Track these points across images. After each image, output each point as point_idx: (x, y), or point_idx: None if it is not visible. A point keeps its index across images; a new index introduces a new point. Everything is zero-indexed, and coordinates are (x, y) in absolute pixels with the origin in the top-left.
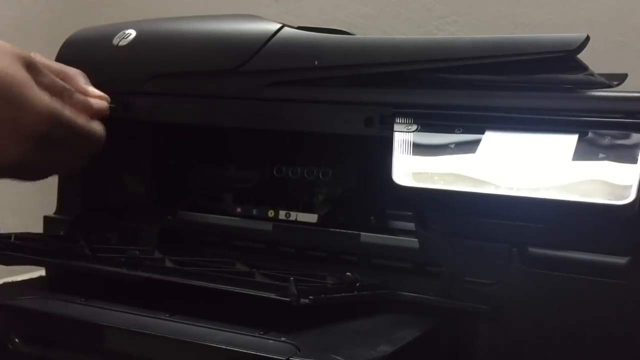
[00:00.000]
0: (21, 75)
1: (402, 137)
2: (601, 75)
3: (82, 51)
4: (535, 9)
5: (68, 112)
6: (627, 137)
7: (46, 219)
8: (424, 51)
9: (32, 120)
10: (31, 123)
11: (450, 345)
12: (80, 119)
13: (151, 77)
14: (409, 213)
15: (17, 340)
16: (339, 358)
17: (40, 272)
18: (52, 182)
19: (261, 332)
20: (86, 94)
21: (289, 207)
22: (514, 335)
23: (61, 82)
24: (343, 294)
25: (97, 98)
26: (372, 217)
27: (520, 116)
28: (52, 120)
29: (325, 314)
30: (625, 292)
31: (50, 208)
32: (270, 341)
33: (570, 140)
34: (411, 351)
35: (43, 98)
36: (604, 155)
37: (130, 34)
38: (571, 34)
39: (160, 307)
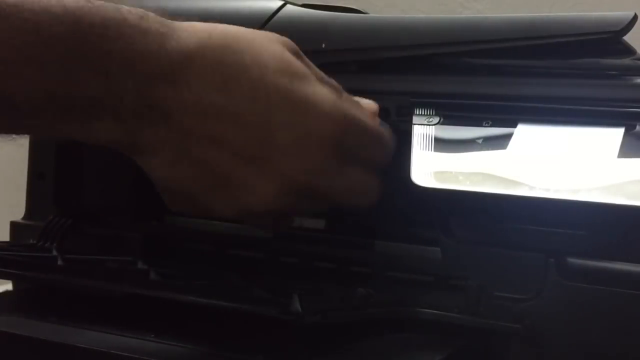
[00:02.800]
0: (299, 65)
1: (422, 131)
2: None
3: None
4: None
5: (355, 110)
6: None
7: (13, 225)
8: (447, 32)
9: (322, 123)
10: (321, 127)
11: None
12: (369, 119)
13: None
14: (430, 218)
15: None
16: None
17: (7, 286)
18: (20, 182)
19: (260, 356)
20: None
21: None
22: (550, 357)
23: (328, 77)
24: (354, 311)
25: None
26: (388, 223)
27: (557, 107)
28: (345, 123)
29: (334, 334)
30: None
31: (18, 212)
32: None
33: (615, 135)
34: None
35: (330, 96)
36: None
37: None
38: (617, 12)
39: (145, 327)
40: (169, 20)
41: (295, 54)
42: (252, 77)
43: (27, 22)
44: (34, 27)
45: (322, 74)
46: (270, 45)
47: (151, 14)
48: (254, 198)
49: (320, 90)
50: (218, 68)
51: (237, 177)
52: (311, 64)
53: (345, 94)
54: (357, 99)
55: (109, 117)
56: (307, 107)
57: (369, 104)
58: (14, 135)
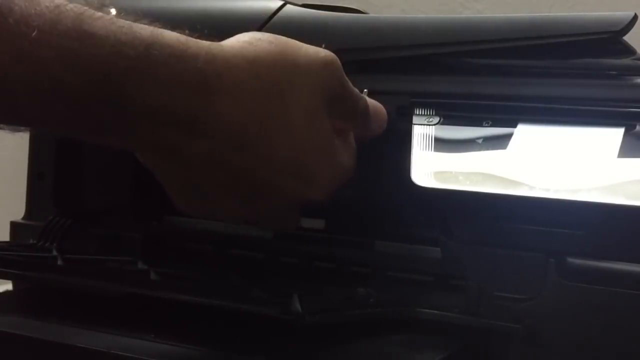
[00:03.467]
0: (323, 124)
1: (422, 131)
2: None
3: None
4: None
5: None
6: None
7: (13, 225)
8: (447, 32)
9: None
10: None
11: None
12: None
13: None
14: (430, 218)
15: None
16: None
17: (7, 286)
18: (20, 182)
19: (260, 356)
20: None
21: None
22: (550, 357)
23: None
24: (354, 312)
25: None
26: (388, 223)
27: (557, 107)
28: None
29: (334, 335)
30: None
31: (18, 212)
32: None
33: (615, 135)
34: None
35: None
36: None
37: (110, 13)
38: (617, 12)
39: (145, 327)
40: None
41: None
42: (274, 101)
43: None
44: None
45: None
46: (308, 91)
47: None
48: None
49: (340, 152)
50: (244, 121)
51: (281, 188)
52: (347, 83)
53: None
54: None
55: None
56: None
57: (380, 110)
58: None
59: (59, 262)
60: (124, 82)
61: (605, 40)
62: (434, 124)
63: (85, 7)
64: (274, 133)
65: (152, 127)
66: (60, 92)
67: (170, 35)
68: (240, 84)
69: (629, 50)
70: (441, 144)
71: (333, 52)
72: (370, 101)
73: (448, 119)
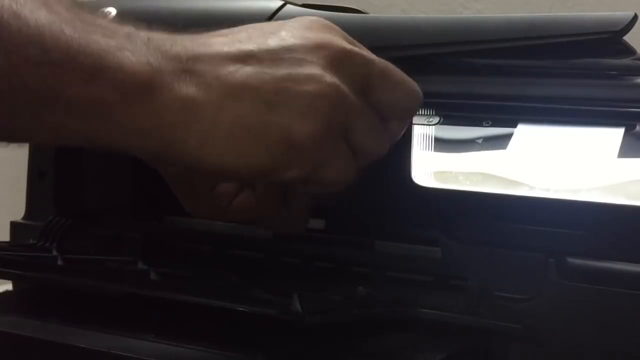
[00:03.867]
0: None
1: (422, 131)
2: None
3: None
4: None
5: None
6: None
7: (13, 225)
8: (447, 32)
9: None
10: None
11: None
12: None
13: None
14: (430, 218)
15: None
16: None
17: (7, 286)
18: (20, 182)
19: (260, 356)
20: None
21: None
22: (550, 357)
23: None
24: (354, 312)
25: None
26: (388, 223)
27: (557, 107)
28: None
29: (334, 334)
30: None
31: (18, 212)
32: None
33: (615, 135)
34: None
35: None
36: None
37: (110, 13)
38: (617, 12)
39: (145, 327)
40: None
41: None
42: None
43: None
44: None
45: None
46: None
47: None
48: (296, 128)
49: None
50: None
51: (272, 116)
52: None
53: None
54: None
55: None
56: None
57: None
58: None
59: (59, 262)
60: None
61: (605, 40)
62: (434, 124)
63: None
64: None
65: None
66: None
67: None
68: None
69: (629, 50)
70: (441, 144)
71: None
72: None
73: (448, 119)
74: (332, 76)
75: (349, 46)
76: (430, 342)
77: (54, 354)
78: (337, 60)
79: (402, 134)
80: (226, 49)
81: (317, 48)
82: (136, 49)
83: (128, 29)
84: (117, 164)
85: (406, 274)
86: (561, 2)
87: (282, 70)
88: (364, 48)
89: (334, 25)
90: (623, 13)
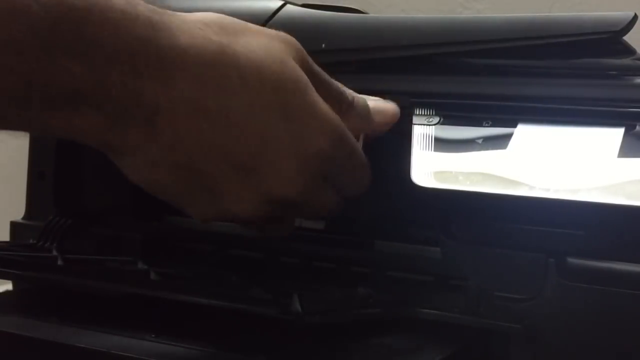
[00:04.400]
0: (300, 76)
1: (422, 131)
2: None
3: None
4: None
5: (348, 130)
6: None
7: (13, 225)
8: (447, 32)
9: (315, 139)
10: (314, 143)
11: None
12: (357, 147)
13: None
14: (430, 218)
15: None
16: None
17: (7, 286)
18: (20, 182)
19: (260, 356)
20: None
21: None
22: (550, 357)
23: (337, 86)
24: (354, 312)
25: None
26: (388, 223)
27: (557, 107)
28: (336, 141)
29: (334, 334)
30: None
31: (18, 212)
32: None
33: (615, 135)
34: None
35: (328, 114)
36: None
37: None
38: (617, 12)
39: (145, 326)
40: (161, 9)
41: (300, 58)
42: (249, 84)
43: (1, 3)
44: (9, 9)
45: (328, 82)
46: (272, 48)
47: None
48: (236, 206)
49: (319, 106)
50: (213, 68)
51: (222, 184)
52: (317, 69)
53: (350, 106)
54: (374, 100)
55: (92, 111)
56: (302, 123)
57: (385, 108)
58: None
59: (59, 262)
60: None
61: (605, 40)
62: (434, 124)
63: None
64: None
65: (121, 78)
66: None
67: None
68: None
69: (629, 50)
70: (441, 144)
71: (333, 52)
72: (374, 99)
73: (448, 119)
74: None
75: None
76: (430, 342)
77: (54, 354)
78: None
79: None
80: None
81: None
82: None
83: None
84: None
85: (406, 274)
86: (561, 2)
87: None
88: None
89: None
90: (623, 13)
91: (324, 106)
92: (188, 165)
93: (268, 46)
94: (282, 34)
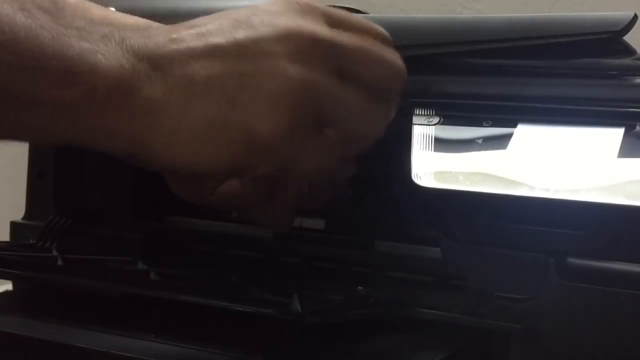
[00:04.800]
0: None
1: (422, 131)
2: None
3: None
4: None
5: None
6: None
7: (13, 225)
8: (447, 32)
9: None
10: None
11: None
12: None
13: None
14: (430, 218)
15: None
16: None
17: (7, 286)
18: (20, 181)
19: (260, 356)
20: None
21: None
22: (550, 358)
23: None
24: (354, 312)
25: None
26: (388, 223)
27: (557, 107)
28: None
29: (334, 334)
30: None
31: (18, 212)
32: None
33: (615, 135)
34: None
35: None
36: None
37: None
38: (617, 12)
39: (145, 327)
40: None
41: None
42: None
43: None
44: None
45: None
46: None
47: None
48: (258, 126)
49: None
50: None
51: (235, 114)
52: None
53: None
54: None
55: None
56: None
57: (369, 29)
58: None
59: (59, 262)
60: None
61: (605, 40)
62: (434, 124)
63: None
64: None
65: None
66: None
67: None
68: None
69: (629, 50)
70: (441, 144)
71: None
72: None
73: (448, 119)
74: (297, 67)
75: (319, 31)
76: (430, 342)
77: (54, 354)
78: (303, 49)
79: (393, 114)
80: (195, 43)
81: (284, 38)
82: (110, 50)
83: (105, 29)
84: (117, 164)
85: (406, 274)
86: (561, 2)
87: (246, 66)
88: (349, 21)
89: (315, 5)
90: (623, 13)
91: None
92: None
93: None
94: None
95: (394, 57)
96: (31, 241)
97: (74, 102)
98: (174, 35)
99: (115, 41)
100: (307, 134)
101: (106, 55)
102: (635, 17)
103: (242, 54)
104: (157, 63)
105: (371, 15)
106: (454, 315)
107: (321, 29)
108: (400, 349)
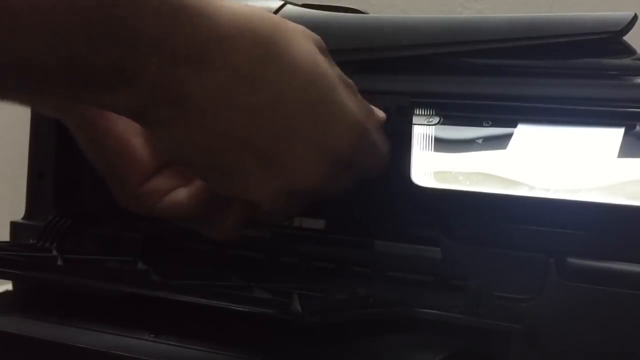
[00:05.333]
0: (330, 72)
1: (422, 131)
2: None
3: None
4: None
5: (370, 124)
6: None
7: (13, 225)
8: (447, 32)
9: (340, 137)
10: (339, 141)
11: None
12: (378, 131)
13: None
14: (430, 218)
15: None
16: None
17: (7, 286)
18: (20, 182)
19: (260, 356)
20: None
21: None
22: (550, 358)
23: (347, 78)
24: (354, 311)
25: None
26: (388, 223)
27: (557, 107)
28: (361, 140)
29: (334, 334)
30: None
31: (18, 212)
32: None
33: (615, 135)
34: None
35: (354, 111)
36: None
37: None
38: (617, 12)
39: (144, 327)
40: None
41: (324, 54)
42: (283, 75)
43: None
44: None
45: (343, 76)
46: (305, 44)
47: None
48: (256, 193)
49: (347, 103)
50: (248, 56)
51: (242, 170)
52: (334, 64)
53: (359, 97)
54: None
55: (127, 91)
56: (331, 120)
57: (378, 113)
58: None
59: (59, 262)
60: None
61: (605, 40)
62: (434, 124)
63: None
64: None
65: (160, 63)
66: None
67: None
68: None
69: (629, 50)
70: (441, 144)
71: (333, 52)
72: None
73: (448, 119)
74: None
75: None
76: (430, 342)
77: (54, 354)
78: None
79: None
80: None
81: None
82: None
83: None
84: None
85: (406, 274)
86: (561, 2)
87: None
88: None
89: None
90: (623, 13)
91: (350, 104)
92: (210, 149)
93: (302, 44)
94: (310, 32)
95: (387, 147)
96: (31, 241)
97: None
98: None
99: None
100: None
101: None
102: (635, 17)
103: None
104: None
105: (371, 15)
106: (454, 315)
107: None
108: (400, 349)
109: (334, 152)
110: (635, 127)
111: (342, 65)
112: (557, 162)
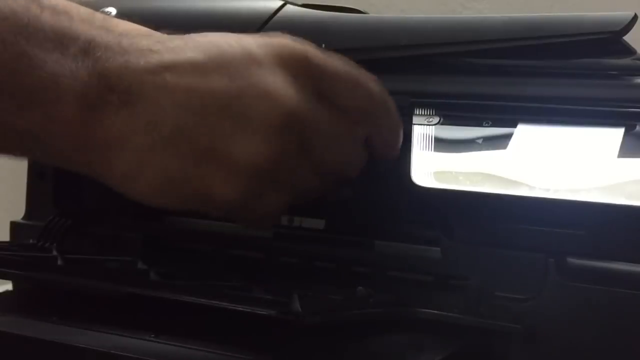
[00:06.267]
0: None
1: (422, 131)
2: None
3: None
4: None
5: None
6: None
7: (13, 225)
8: (447, 32)
9: (267, 114)
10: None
11: None
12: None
13: None
14: (430, 218)
15: None
16: None
17: (7, 286)
18: (20, 182)
19: (260, 356)
20: None
21: (292, 212)
22: (550, 357)
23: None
24: (354, 311)
25: None
26: (388, 223)
27: (557, 107)
28: (293, 115)
29: (334, 334)
30: None
31: (18, 212)
32: None
33: (615, 135)
34: None
35: (279, 86)
36: None
37: (111, 13)
38: (617, 12)
39: (144, 327)
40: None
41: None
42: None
43: None
44: None
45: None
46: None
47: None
48: (214, 189)
49: (271, 84)
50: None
51: (197, 171)
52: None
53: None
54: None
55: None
56: (253, 101)
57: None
58: None
59: (59, 262)
60: None
61: (605, 40)
62: (434, 124)
63: None
64: None
65: None
66: None
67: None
68: None
69: (629, 50)
70: (441, 144)
71: (333, 52)
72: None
73: (448, 119)
74: (288, 90)
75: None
76: (430, 342)
77: (54, 354)
78: (294, 70)
79: (384, 141)
80: (176, 79)
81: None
82: (78, 75)
83: (80, 44)
84: None
85: (406, 274)
86: (561, 2)
87: (218, 127)
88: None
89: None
90: (623, 13)
91: (278, 83)
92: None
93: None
94: (271, 42)
95: (370, 80)
96: (31, 241)
97: (35, 127)
98: (154, 62)
99: (91, 64)
100: (292, 158)
101: (72, 81)
102: (635, 17)
103: (219, 112)
104: (127, 94)
105: (371, 15)
106: (454, 315)
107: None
108: (401, 349)
109: (271, 127)
110: (635, 127)
111: None
112: (557, 162)
